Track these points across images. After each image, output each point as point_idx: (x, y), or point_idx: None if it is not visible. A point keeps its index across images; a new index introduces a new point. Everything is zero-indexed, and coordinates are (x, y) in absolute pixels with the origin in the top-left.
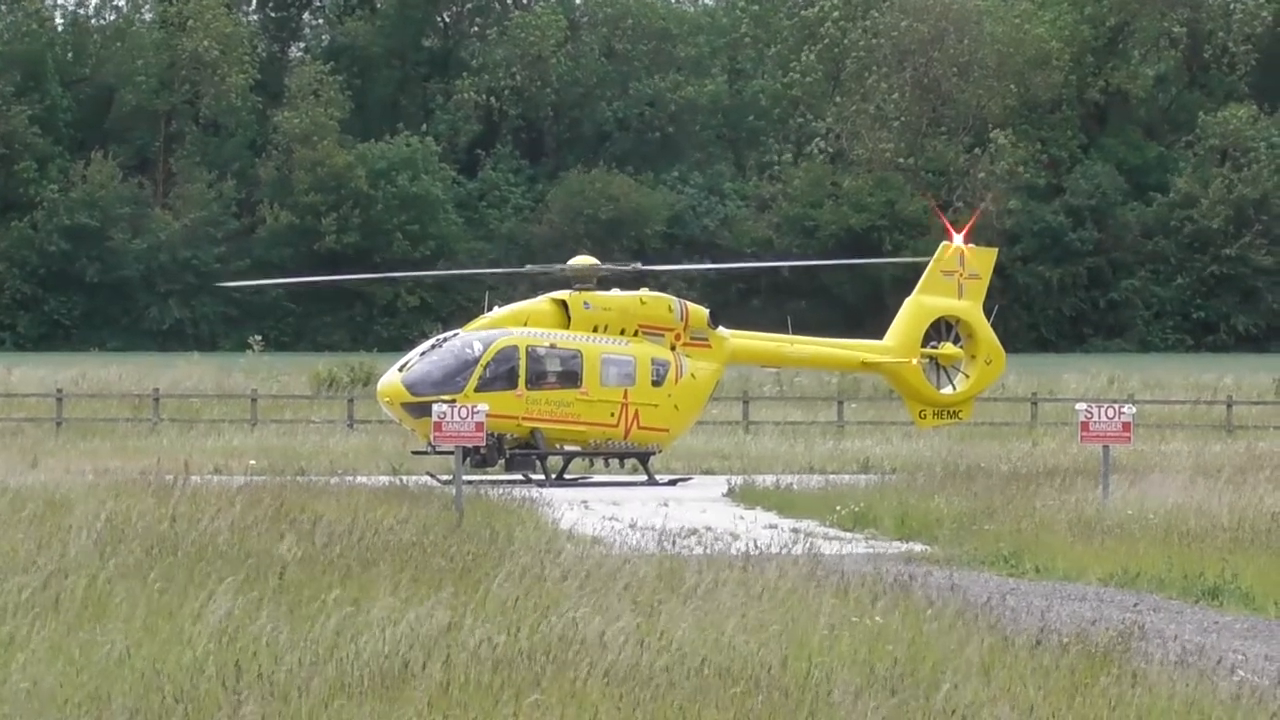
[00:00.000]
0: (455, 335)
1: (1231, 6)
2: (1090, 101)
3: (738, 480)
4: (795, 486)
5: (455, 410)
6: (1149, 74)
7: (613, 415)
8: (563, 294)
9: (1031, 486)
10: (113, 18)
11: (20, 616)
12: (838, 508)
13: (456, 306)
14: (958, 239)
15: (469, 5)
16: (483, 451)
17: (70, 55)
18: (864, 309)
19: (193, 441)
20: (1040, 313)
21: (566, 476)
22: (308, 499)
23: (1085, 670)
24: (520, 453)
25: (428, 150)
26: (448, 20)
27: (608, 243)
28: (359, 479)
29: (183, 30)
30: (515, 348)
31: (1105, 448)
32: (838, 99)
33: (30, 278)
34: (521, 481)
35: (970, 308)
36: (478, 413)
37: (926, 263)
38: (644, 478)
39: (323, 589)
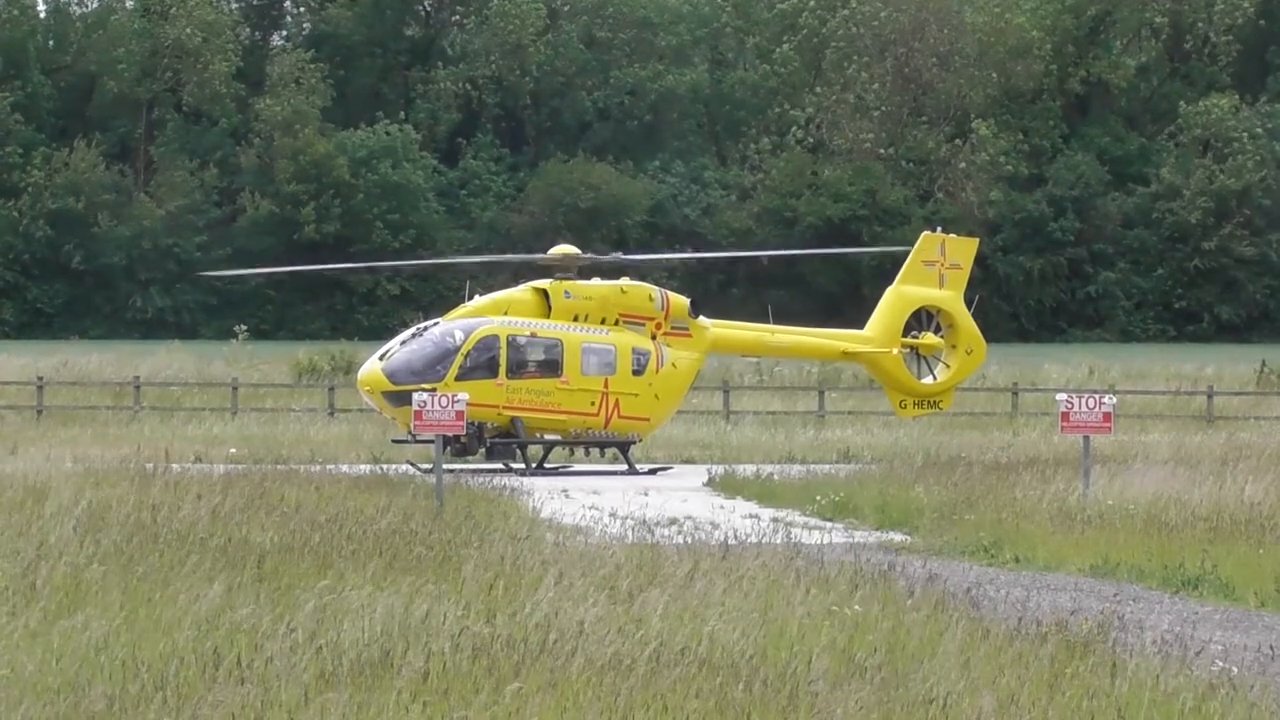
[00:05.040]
0: (436, 324)
1: None
2: (1071, 92)
3: (718, 469)
4: (775, 476)
5: (436, 399)
6: (1130, 64)
7: (593, 404)
8: (543, 283)
9: (1012, 476)
10: (94, 5)
11: None
12: (818, 497)
13: (437, 295)
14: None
15: None
16: (463, 440)
17: (52, 43)
18: (843, 299)
19: (173, 430)
20: (1021, 303)
21: (547, 465)
22: (288, 487)
23: (1065, 660)
24: (501, 441)
25: (407, 139)
26: (428, 8)
27: (588, 232)
28: (340, 467)
29: (164, 18)
30: (496, 337)
31: (1086, 438)
32: (818, 89)
33: (13, 265)
34: (502, 470)
35: (951, 298)
36: (458, 401)
37: (907, 252)
38: (624, 467)
39: (303, 577)
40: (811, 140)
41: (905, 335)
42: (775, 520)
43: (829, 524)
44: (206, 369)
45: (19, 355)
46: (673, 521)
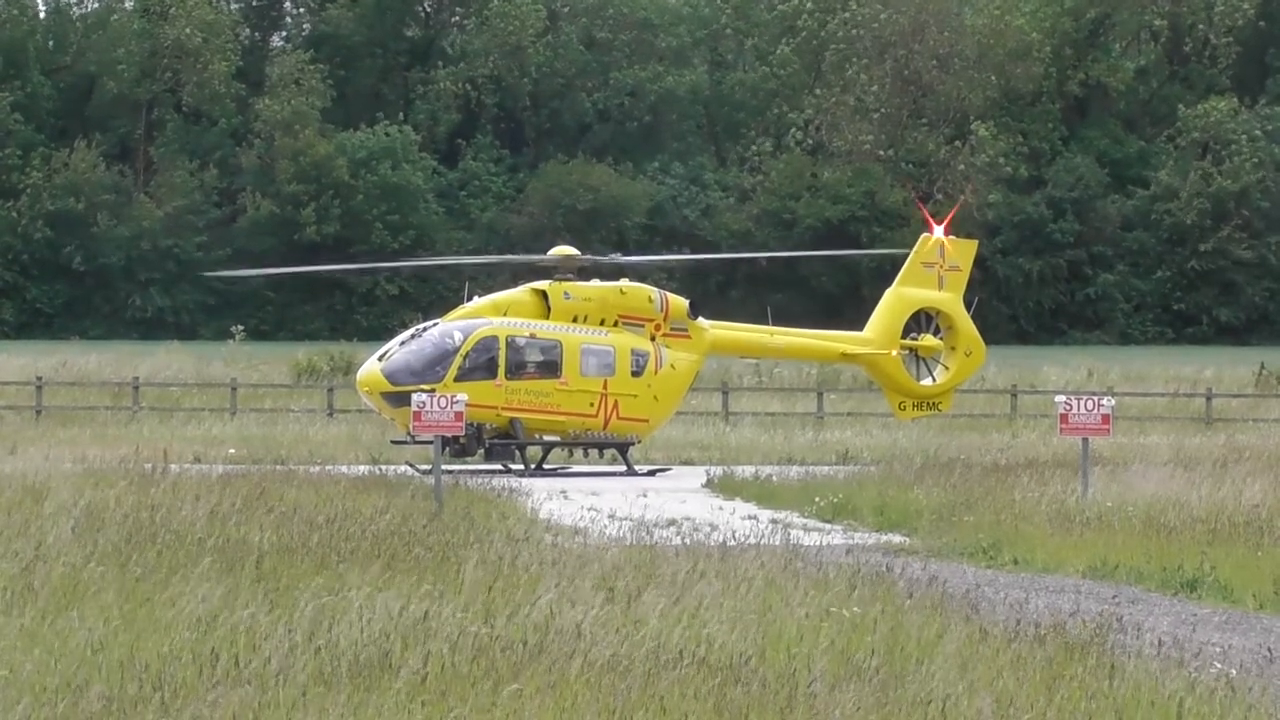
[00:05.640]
0: (435, 325)
1: None
2: (1071, 94)
3: (717, 471)
4: (774, 477)
5: (435, 400)
6: (1130, 66)
7: (592, 405)
8: (542, 284)
9: (1011, 478)
10: (94, 5)
11: None
12: (817, 499)
13: (436, 296)
14: (938, 231)
15: None
16: (462, 441)
17: (52, 43)
18: (843, 300)
19: (172, 430)
20: (1020, 305)
21: (546, 466)
22: (287, 488)
23: (1063, 662)
24: (499, 442)
25: (407, 139)
26: (428, 9)
27: (587, 233)
28: (338, 468)
29: (164, 18)
30: (495, 338)
31: (1085, 440)
32: (817, 91)
33: (13, 265)
34: (501, 471)
35: (950, 299)
36: (457, 402)
37: (906, 254)
38: (623, 468)
39: (301, 577)
40: (811, 142)
41: (904, 337)
42: (774, 522)
43: (828, 525)
44: (205, 369)
45: (18, 355)
46: (671, 523)
